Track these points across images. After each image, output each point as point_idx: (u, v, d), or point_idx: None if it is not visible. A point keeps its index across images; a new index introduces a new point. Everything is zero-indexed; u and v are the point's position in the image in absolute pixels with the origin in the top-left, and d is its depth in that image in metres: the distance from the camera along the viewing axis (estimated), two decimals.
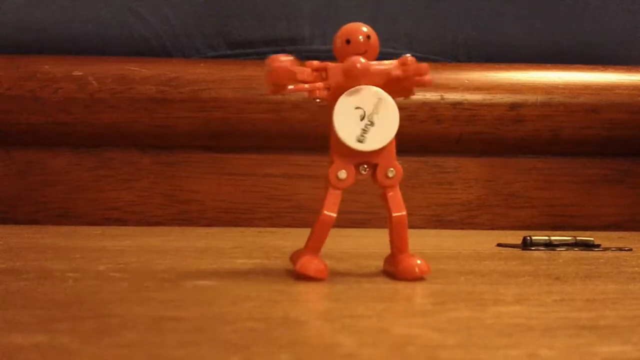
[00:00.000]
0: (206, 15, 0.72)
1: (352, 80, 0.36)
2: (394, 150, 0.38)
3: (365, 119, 0.36)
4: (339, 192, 0.37)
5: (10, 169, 0.69)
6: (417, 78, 0.36)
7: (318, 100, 0.37)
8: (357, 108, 0.36)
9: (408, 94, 0.38)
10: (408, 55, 0.37)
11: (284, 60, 0.36)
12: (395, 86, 0.37)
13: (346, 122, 0.36)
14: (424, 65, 0.36)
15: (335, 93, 0.36)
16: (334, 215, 0.37)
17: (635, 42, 0.76)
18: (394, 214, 0.38)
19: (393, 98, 0.37)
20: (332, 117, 0.36)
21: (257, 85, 0.68)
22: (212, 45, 0.73)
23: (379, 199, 0.38)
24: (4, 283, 0.35)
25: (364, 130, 0.36)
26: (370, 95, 0.36)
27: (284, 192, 0.70)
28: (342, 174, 0.37)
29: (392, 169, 0.37)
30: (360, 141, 0.36)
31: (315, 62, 0.37)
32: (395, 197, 0.38)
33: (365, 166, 0.37)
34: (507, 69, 0.72)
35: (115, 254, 0.46)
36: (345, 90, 0.36)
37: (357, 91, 0.36)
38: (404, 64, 0.36)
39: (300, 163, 0.70)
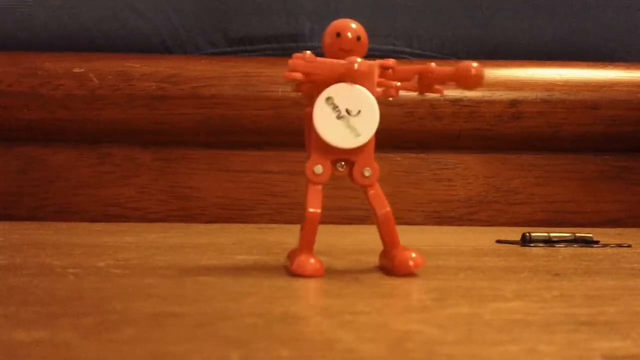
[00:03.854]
0: (206, 11, 0.72)
1: (349, 80, 0.36)
2: (372, 149, 0.38)
3: (345, 116, 0.36)
4: (318, 187, 0.37)
5: (11, 165, 0.69)
6: (435, 87, 0.37)
7: (300, 93, 0.37)
8: (337, 105, 0.36)
9: (395, 93, 0.38)
10: (433, 64, 0.37)
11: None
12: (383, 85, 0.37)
13: (326, 118, 0.36)
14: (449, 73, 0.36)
15: (318, 88, 0.36)
16: (319, 210, 0.37)
17: (635, 39, 0.76)
18: (379, 212, 0.38)
19: (378, 97, 0.37)
20: (313, 113, 0.36)
21: (257, 82, 0.69)
22: (212, 42, 0.73)
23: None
24: (5, 279, 0.35)
25: (343, 128, 0.36)
26: (352, 93, 0.36)
27: (284, 188, 0.70)
28: (318, 169, 0.37)
29: (368, 168, 0.37)
30: (338, 138, 0.37)
31: (308, 53, 0.37)
32: (377, 195, 0.38)
33: (343, 163, 0.38)
34: (506, 66, 0.72)
35: (116, 250, 0.46)
36: (328, 86, 0.36)
37: (339, 88, 0.36)
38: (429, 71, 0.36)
39: (300, 160, 0.69)
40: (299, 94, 0.38)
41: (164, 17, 0.72)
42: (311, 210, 0.37)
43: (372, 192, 0.38)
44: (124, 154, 0.70)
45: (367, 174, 0.37)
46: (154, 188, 0.70)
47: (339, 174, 0.38)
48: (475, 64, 0.36)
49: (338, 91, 0.36)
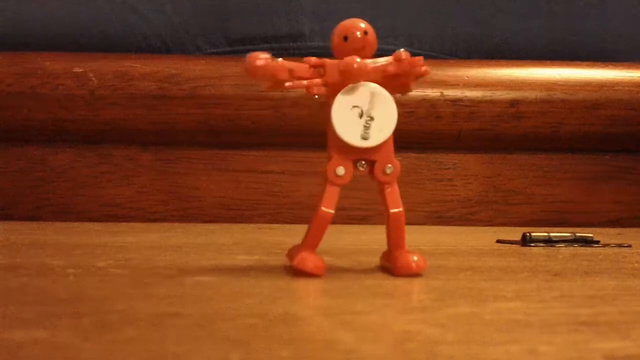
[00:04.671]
0: (206, 11, 0.72)
1: (349, 80, 0.36)
2: (392, 146, 0.38)
3: (364, 115, 0.36)
4: (336, 188, 0.37)
5: (10, 165, 0.69)
6: (415, 70, 0.36)
7: (316, 96, 0.37)
8: (354, 105, 0.36)
9: (406, 90, 0.38)
10: (402, 50, 0.37)
11: (264, 57, 0.36)
12: (392, 82, 0.37)
13: (344, 120, 0.36)
14: (418, 58, 0.36)
15: (333, 89, 0.36)
16: (332, 211, 0.37)
17: (635, 38, 0.76)
18: (392, 210, 0.38)
19: (391, 94, 0.37)
20: (331, 115, 0.36)
21: (257, 82, 0.68)
22: (212, 42, 0.73)
23: (378, 195, 0.38)
24: (5, 279, 0.35)
25: (363, 127, 0.36)
26: (368, 92, 0.36)
27: (284, 188, 0.70)
28: (341, 171, 0.37)
29: (390, 165, 0.38)
30: (359, 138, 0.37)
31: (313, 59, 0.37)
32: (393, 193, 0.38)
33: (363, 162, 0.38)
34: (507, 66, 0.72)
35: (116, 250, 0.46)
36: (343, 87, 0.36)
37: (355, 88, 0.36)
38: (398, 60, 0.36)
39: (300, 159, 0.70)
40: (316, 96, 0.38)
41: (164, 17, 0.72)
42: (324, 209, 0.37)
43: (389, 190, 0.38)
44: (123, 154, 0.70)
45: (388, 171, 0.37)
46: (154, 188, 0.70)
47: (360, 173, 0.38)
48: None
49: (354, 91, 0.36)
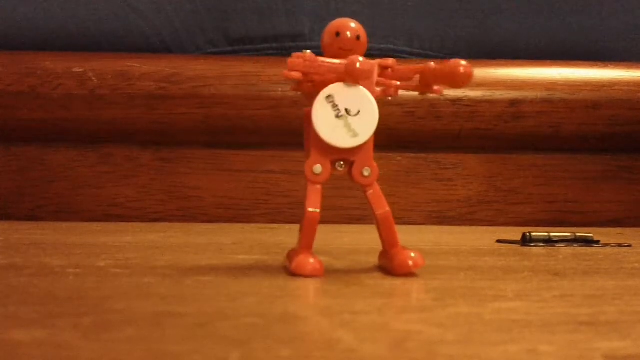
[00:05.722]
0: (206, 11, 0.72)
1: (353, 80, 0.36)
2: (371, 149, 0.38)
3: (345, 115, 0.36)
4: (318, 187, 0.37)
5: (10, 165, 0.69)
6: (434, 87, 0.37)
7: (299, 93, 0.37)
8: (337, 104, 0.36)
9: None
10: (463, 62, 0.36)
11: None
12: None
13: (325, 117, 0.36)
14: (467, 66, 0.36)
15: (318, 87, 0.36)
16: (318, 210, 0.37)
17: (636, 38, 0.76)
18: (378, 212, 0.38)
19: (378, 96, 0.37)
20: (312, 113, 0.36)
21: (257, 82, 0.68)
22: (212, 42, 0.73)
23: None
24: (5, 279, 0.35)
25: (343, 128, 0.36)
26: (350, 92, 0.36)
27: (284, 188, 0.70)
28: (318, 169, 0.37)
29: (367, 167, 0.37)
30: (338, 138, 0.36)
31: (308, 53, 0.37)
32: (376, 194, 0.38)
33: (342, 163, 0.38)
34: (507, 66, 0.72)
35: (116, 250, 0.46)
36: (326, 86, 0.36)
37: (340, 87, 0.36)
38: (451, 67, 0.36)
39: (300, 159, 0.69)
40: (298, 93, 0.38)
41: (164, 17, 0.72)
42: (310, 210, 0.37)
43: (371, 191, 0.38)
44: (123, 154, 0.70)
45: (366, 173, 0.37)
46: (154, 188, 0.70)
47: (338, 173, 0.38)
48: (463, 62, 0.35)
49: (338, 90, 0.36)
